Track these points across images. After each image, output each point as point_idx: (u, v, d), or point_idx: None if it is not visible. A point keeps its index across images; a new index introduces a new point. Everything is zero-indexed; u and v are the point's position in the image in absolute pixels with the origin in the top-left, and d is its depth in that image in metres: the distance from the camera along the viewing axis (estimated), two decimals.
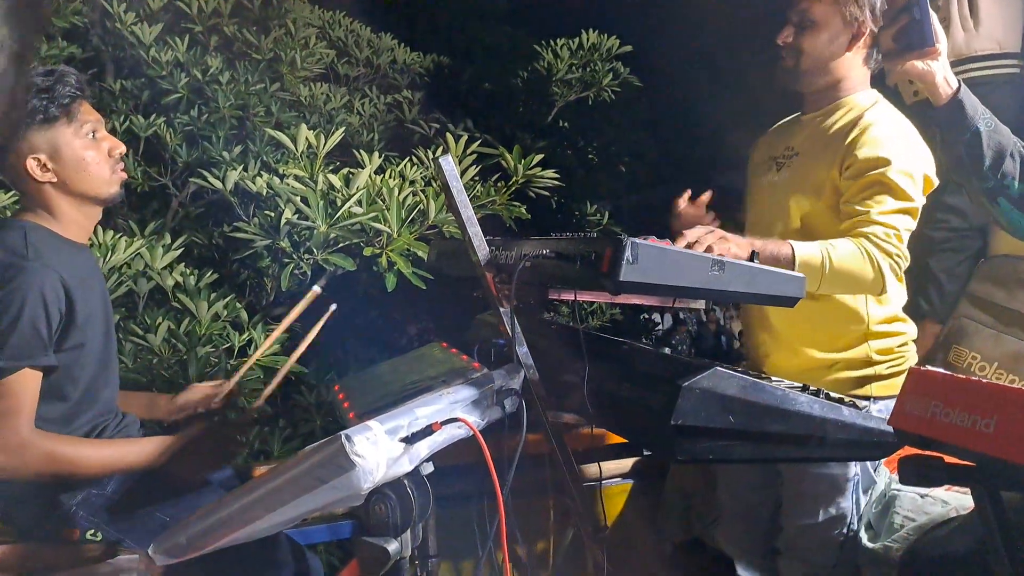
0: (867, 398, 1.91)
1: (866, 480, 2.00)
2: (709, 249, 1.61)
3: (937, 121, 1.59)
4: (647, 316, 6.55)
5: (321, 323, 2.15)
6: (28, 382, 1.61)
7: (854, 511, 1.96)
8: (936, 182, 1.90)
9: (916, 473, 1.02)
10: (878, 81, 2.04)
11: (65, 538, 1.69)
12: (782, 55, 2.00)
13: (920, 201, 1.86)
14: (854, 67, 1.98)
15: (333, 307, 2.15)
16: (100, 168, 1.77)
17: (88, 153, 1.75)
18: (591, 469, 2.28)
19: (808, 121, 2.05)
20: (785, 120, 2.20)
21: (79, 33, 3.87)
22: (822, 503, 1.93)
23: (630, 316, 5.68)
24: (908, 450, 1.19)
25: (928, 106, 1.64)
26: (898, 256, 1.79)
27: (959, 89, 1.54)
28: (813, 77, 1.98)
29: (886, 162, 1.81)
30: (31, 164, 1.70)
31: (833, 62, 1.96)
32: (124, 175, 1.84)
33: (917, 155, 1.87)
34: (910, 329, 2.02)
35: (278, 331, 2.20)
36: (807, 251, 1.73)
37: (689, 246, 1.61)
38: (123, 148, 1.82)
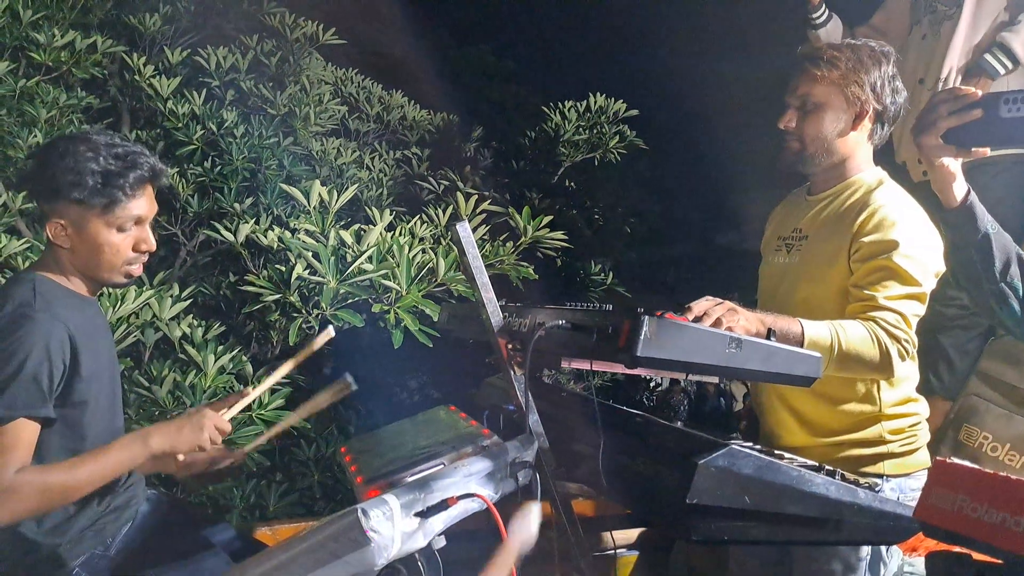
0: (879, 476, 1.89)
1: (875, 559, 1.97)
2: (718, 322, 1.60)
3: (948, 223, 1.57)
4: (646, 376, 6.54)
5: (320, 341, 2.00)
6: (23, 432, 1.58)
7: None
8: (944, 267, 1.86)
9: (944, 570, 1.00)
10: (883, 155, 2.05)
11: None
12: (786, 139, 1.98)
13: (928, 286, 1.84)
14: (859, 145, 1.98)
15: (330, 329, 2.04)
16: (114, 258, 1.75)
17: (110, 241, 1.73)
18: (597, 538, 2.25)
19: (815, 202, 2.04)
20: (794, 194, 2.21)
21: (97, 84, 3.94)
22: None
23: (629, 376, 5.67)
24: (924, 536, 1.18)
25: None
26: (906, 341, 1.77)
27: (969, 191, 1.55)
28: (818, 159, 1.97)
29: (893, 246, 1.80)
30: (54, 227, 1.71)
31: (837, 142, 1.95)
32: (138, 272, 1.82)
33: (925, 239, 1.85)
34: (923, 409, 2.00)
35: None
36: (817, 331, 1.71)
37: (697, 318, 1.60)
38: (152, 247, 1.79)
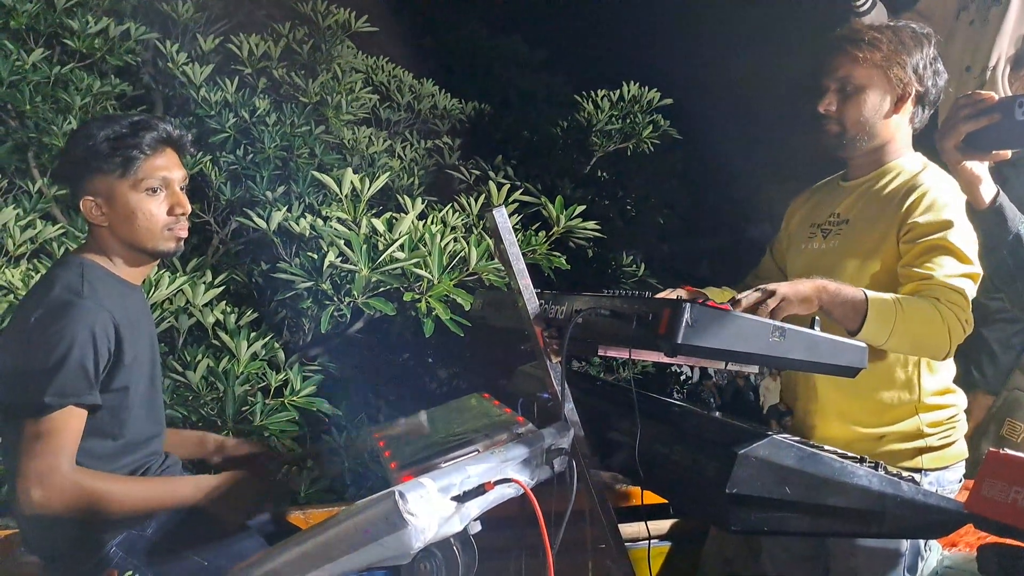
0: (917, 470, 1.85)
1: (914, 554, 1.93)
2: (774, 314, 1.57)
3: (978, 223, 1.57)
4: (677, 369, 6.50)
5: None
6: (72, 419, 1.61)
7: None
8: None
9: (997, 563, 0.97)
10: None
11: None
12: (825, 123, 1.94)
13: (980, 268, 1.81)
14: (899, 128, 1.94)
15: None
16: (150, 223, 1.74)
17: (141, 207, 1.73)
18: (629, 529, 2.22)
19: (854, 187, 2.00)
20: (821, 184, 2.16)
21: (131, 71, 3.97)
22: None
23: (660, 368, 5.63)
24: (970, 530, 1.15)
25: None
26: (966, 320, 1.74)
27: (998, 193, 1.54)
28: (859, 142, 1.93)
29: (948, 225, 1.78)
30: (87, 204, 1.73)
31: (879, 125, 1.92)
32: (183, 233, 1.80)
33: None
34: (961, 400, 1.97)
35: None
36: (880, 299, 1.68)
37: (748, 309, 1.57)
38: (186, 208, 1.78)
